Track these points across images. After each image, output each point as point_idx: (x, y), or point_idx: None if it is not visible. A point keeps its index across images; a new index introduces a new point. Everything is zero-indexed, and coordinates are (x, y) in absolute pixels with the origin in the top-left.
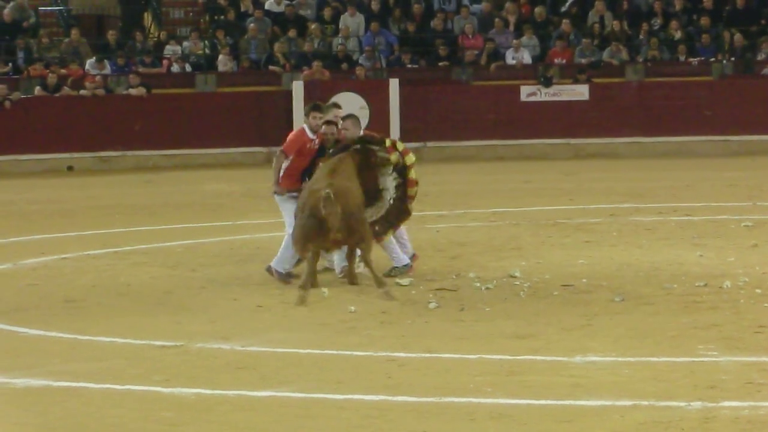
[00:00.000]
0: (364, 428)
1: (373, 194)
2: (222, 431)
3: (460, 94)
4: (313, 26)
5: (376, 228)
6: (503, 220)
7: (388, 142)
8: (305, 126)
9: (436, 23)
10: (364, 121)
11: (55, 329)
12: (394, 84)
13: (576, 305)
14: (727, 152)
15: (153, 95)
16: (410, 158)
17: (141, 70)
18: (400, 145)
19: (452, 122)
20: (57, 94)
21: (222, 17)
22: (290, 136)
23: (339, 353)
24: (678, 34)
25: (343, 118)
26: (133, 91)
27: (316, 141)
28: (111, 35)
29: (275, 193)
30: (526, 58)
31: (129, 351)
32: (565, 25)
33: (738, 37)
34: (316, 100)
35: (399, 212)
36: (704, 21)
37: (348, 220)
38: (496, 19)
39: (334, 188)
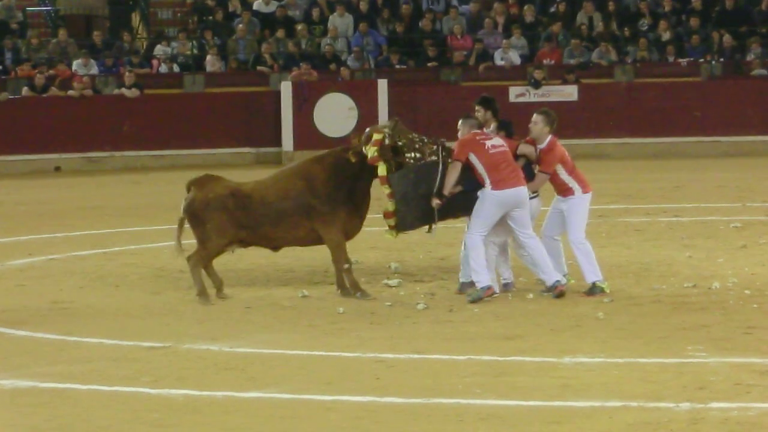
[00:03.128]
0: (352, 429)
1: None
2: None
3: (448, 94)
4: (300, 27)
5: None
6: None
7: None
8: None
9: (424, 24)
10: (353, 122)
11: (42, 330)
12: (382, 85)
13: (565, 306)
14: (717, 153)
15: (141, 96)
16: (370, 151)
17: (129, 69)
18: (378, 135)
19: (441, 123)
20: (45, 95)
21: (210, 18)
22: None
23: (327, 354)
24: (667, 35)
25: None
26: (126, 92)
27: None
28: (97, 36)
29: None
30: (515, 58)
31: (117, 352)
32: (554, 25)
33: (727, 37)
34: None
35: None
36: (693, 22)
37: (191, 215)
38: (486, 20)
39: (196, 180)
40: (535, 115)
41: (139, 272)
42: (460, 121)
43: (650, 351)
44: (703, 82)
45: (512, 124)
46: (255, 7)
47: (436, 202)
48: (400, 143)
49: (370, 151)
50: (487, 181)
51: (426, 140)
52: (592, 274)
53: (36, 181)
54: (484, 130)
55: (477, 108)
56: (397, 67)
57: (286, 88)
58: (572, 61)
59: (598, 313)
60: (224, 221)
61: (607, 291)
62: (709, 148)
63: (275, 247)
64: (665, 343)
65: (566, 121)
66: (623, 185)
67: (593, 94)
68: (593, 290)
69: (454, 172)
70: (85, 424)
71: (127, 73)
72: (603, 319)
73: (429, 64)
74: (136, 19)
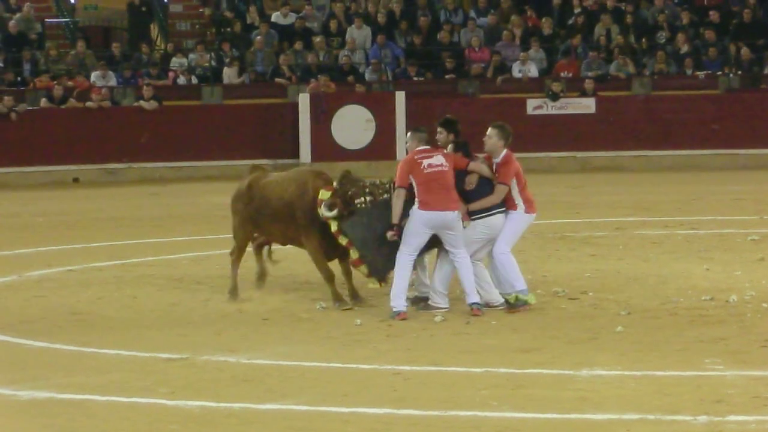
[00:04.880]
0: None
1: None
2: None
3: (466, 106)
4: (318, 39)
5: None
6: None
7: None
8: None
9: (442, 36)
10: (370, 134)
11: (60, 341)
12: (400, 97)
13: (582, 319)
14: (734, 166)
15: (159, 107)
16: (319, 210)
17: (147, 82)
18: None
19: None
20: (63, 106)
21: (228, 30)
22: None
23: (344, 366)
24: (685, 48)
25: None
26: (144, 104)
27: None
28: (115, 47)
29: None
30: (533, 71)
31: (134, 363)
32: (573, 38)
33: (745, 50)
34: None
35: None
36: (711, 34)
37: None
38: (504, 32)
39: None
40: (489, 129)
41: (156, 283)
42: (408, 134)
43: (667, 364)
44: (721, 95)
45: (468, 144)
46: (273, 19)
47: (390, 234)
48: (349, 192)
49: (319, 210)
50: (416, 200)
51: (378, 183)
52: (517, 283)
53: (54, 193)
54: (444, 150)
55: (439, 130)
56: (415, 79)
57: (303, 100)
58: (590, 74)
59: (615, 327)
60: (244, 215)
61: (532, 302)
62: (726, 160)
63: (282, 243)
64: (682, 356)
65: (584, 133)
66: (640, 198)
67: (611, 106)
68: (517, 303)
69: (398, 201)
70: None
71: (145, 87)
72: (620, 332)
73: (447, 77)
74: (154, 30)
